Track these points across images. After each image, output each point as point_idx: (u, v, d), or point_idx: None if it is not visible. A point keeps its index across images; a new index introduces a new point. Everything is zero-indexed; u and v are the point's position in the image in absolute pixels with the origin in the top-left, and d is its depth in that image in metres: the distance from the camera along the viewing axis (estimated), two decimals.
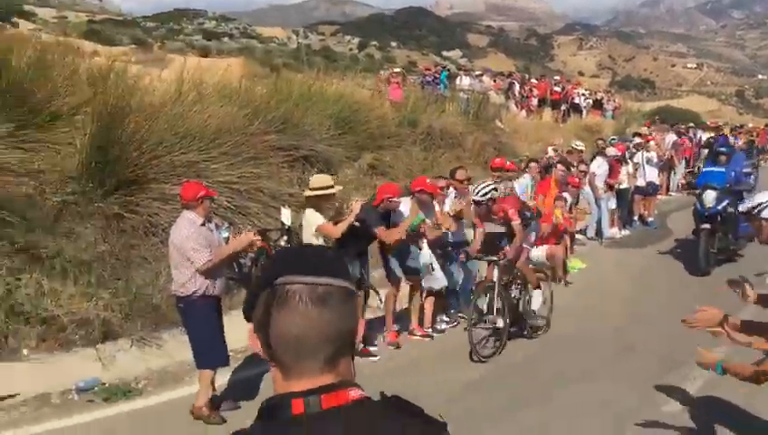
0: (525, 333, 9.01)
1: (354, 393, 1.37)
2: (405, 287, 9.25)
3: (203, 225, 6.53)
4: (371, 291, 8.89)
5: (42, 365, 7.08)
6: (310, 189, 8.22)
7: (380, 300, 9.00)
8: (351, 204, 8.40)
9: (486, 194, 8.57)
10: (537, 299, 9.09)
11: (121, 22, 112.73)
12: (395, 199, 8.49)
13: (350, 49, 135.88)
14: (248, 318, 1.43)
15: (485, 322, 8.45)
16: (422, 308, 9.30)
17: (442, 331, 9.40)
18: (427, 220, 8.92)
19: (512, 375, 7.77)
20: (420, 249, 8.90)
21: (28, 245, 8.16)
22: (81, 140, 9.48)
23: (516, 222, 8.66)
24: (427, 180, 9.26)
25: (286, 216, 9.03)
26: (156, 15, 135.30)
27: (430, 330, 9.31)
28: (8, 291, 7.57)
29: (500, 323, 8.40)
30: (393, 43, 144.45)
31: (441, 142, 17.28)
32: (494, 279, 8.49)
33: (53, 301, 7.65)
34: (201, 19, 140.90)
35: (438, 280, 9.06)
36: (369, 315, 9.24)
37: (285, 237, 8.95)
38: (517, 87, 28.41)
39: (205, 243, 6.42)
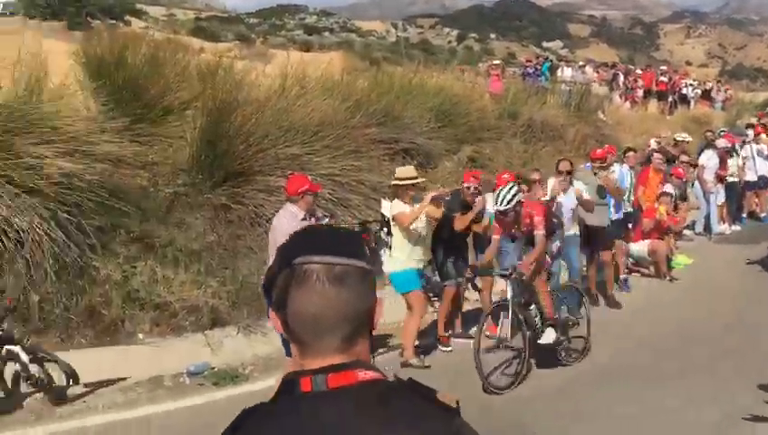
0: (561, 357, 7.81)
1: (364, 374, 1.37)
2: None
3: (304, 219, 6.70)
4: (469, 285, 8.92)
5: (155, 349, 7.43)
6: (394, 180, 8.37)
7: (478, 292, 9.01)
8: (423, 196, 8.33)
9: (512, 200, 7.35)
10: (548, 336, 7.62)
11: (226, 18, 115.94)
12: (472, 185, 8.55)
13: (449, 41, 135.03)
14: (269, 298, 1.46)
15: (499, 346, 7.29)
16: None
17: None
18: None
19: (605, 374, 7.58)
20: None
21: (143, 234, 8.57)
22: (192, 133, 9.87)
23: (540, 232, 7.49)
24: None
25: (386, 207, 9.12)
26: (259, 12, 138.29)
27: None
28: (125, 278, 7.99)
29: (517, 344, 7.37)
30: (492, 35, 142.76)
31: (542, 135, 17.03)
32: (508, 297, 7.33)
33: (166, 288, 8.02)
34: (302, 14, 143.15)
35: None
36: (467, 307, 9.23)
37: (385, 229, 9.03)
38: (621, 78, 27.63)
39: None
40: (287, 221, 6.67)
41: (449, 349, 8.34)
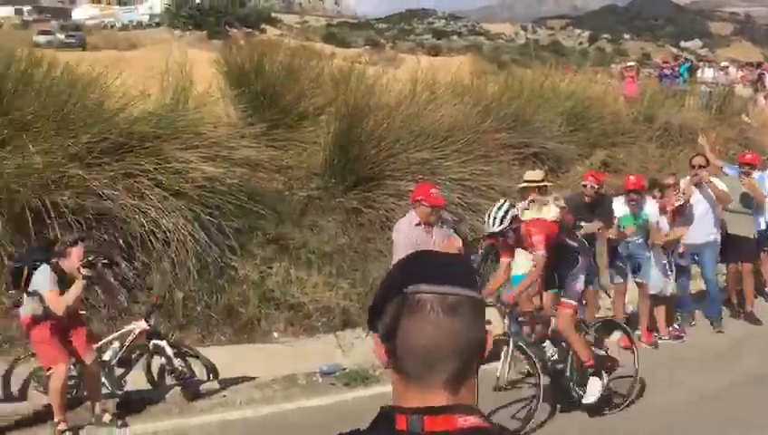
0: (605, 408, 6.61)
1: (464, 421, 1.29)
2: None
3: (418, 224, 6.84)
4: (600, 291, 8.68)
5: (289, 348, 7.66)
6: (522, 182, 8.37)
7: (610, 298, 8.76)
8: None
9: (504, 219, 6.35)
10: (594, 388, 6.47)
11: (356, 24, 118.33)
12: (590, 184, 8.31)
13: (580, 43, 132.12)
14: (372, 326, 1.39)
15: (500, 387, 6.18)
16: (651, 313, 8.81)
17: (676, 338, 8.83)
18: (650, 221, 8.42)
19: (755, 384, 7.14)
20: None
21: (278, 236, 8.89)
22: (325, 138, 10.12)
23: (539, 252, 6.35)
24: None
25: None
26: (388, 17, 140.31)
27: (663, 337, 8.78)
28: (261, 278, 8.31)
29: (528, 390, 6.52)
30: (626, 35, 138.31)
31: (680, 139, 16.30)
32: (506, 330, 6.37)
33: (299, 289, 8.26)
34: (431, 18, 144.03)
35: (666, 284, 8.56)
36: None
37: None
38: None
39: (408, 242, 6.71)
40: (403, 226, 7.00)
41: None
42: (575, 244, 6.70)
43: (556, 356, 6.56)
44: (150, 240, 7.79)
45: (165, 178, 8.00)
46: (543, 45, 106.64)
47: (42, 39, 24.80)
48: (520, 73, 18.51)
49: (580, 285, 6.62)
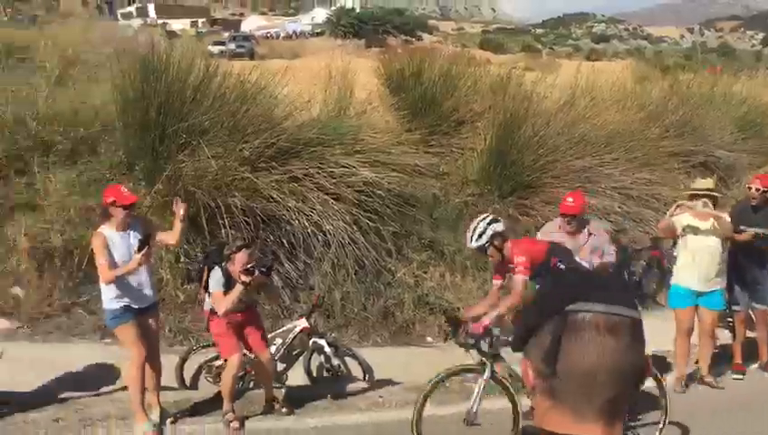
0: None
1: None
2: None
3: (553, 231, 6.82)
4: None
5: (443, 353, 7.70)
6: (690, 190, 8.02)
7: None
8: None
9: (482, 235, 5.95)
10: None
11: (512, 30, 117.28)
12: (754, 186, 7.72)
13: (752, 45, 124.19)
14: (518, 347, 1.33)
15: (471, 422, 5.77)
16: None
17: None
18: None
19: None
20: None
21: (433, 241, 8.98)
22: (482, 145, 10.12)
23: (519, 276, 5.86)
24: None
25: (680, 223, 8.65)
26: (544, 22, 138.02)
27: None
28: (416, 282, 8.42)
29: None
30: None
31: None
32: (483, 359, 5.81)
33: (454, 294, 8.30)
34: (590, 22, 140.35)
35: None
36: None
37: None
38: None
39: None
40: (547, 228, 7.05)
41: (740, 377, 7.68)
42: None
43: None
44: (312, 242, 8.11)
45: (327, 182, 8.29)
46: (711, 48, 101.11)
47: (215, 49, 26.29)
48: (686, 78, 17.66)
49: None
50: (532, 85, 12.76)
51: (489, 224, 6.00)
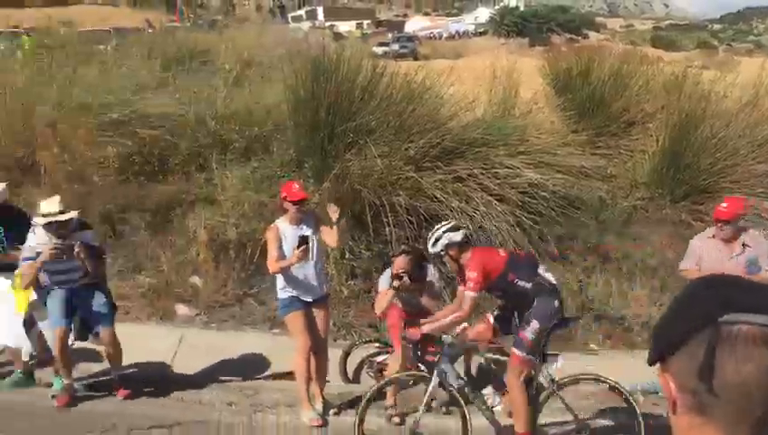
0: None
1: None
2: None
3: (713, 237, 6.28)
4: None
5: (608, 361, 7.44)
6: None
7: None
8: None
9: (437, 242, 5.60)
10: None
11: (686, 26, 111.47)
12: None
13: None
14: (659, 358, 1.22)
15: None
16: None
17: None
18: None
19: None
20: None
21: (599, 245, 8.69)
22: (654, 147, 9.69)
23: (470, 293, 5.41)
24: None
25: None
26: (722, 17, 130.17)
27: None
28: (580, 287, 8.18)
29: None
30: None
31: None
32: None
33: (621, 301, 7.99)
34: None
35: None
36: None
37: None
38: None
39: (691, 251, 6.37)
40: (701, 236, 6.49)
41: None
42: (528, 285, 5.50)
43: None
44: (474, 243, 8.08)
45: (491, 183, 8.24)
46: None
47: (379, 50, 26.97)
48: None
49: (529, 334, 5.42)
50: (710, 84, 12.08)
51: (445, 232, 5.66)
